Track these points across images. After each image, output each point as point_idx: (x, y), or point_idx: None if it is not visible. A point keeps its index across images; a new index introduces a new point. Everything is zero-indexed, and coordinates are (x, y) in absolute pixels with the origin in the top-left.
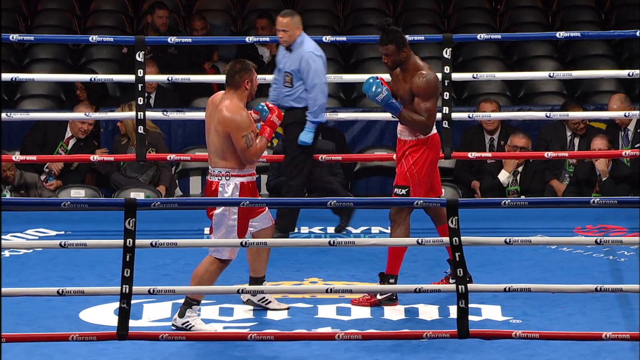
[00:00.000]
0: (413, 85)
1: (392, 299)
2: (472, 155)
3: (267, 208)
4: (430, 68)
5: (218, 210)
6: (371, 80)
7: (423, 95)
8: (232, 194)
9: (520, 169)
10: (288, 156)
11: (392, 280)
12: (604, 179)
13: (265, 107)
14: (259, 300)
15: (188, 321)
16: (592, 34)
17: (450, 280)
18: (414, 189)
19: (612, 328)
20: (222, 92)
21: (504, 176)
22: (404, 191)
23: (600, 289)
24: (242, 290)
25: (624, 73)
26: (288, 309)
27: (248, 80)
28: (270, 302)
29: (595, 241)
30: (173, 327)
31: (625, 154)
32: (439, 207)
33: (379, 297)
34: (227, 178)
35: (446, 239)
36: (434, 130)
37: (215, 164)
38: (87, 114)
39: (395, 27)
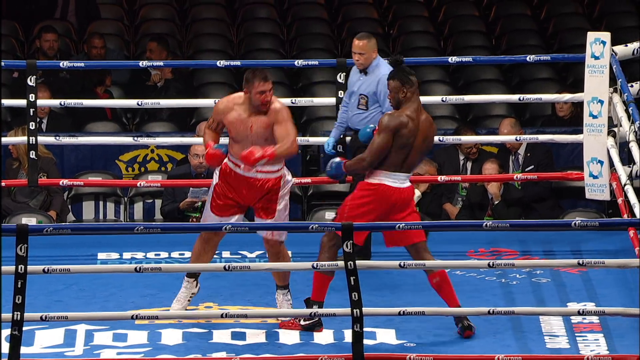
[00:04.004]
0: None
1: (316, 325)
2: None
3: (274, 218)
4: (407, 115)
5: None
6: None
7: (378, 132)
8: (216, 169)
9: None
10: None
11: (315, 307)
12: (496, 202)
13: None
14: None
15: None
16: (484, 59)
17: None
18: (339, 218)
19: (504, 351)
20: None
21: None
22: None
23: (493, 311)
24: (137, 316)
25: (515, 97)
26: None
27: (246, 90)
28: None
29: (488, 264)
30: None
31: (517, 177)
32: (335, 231)
33: (302, 322)
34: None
35: (341, 263)
36: (387, 182)
37: None
38: None
39: (406, 67)
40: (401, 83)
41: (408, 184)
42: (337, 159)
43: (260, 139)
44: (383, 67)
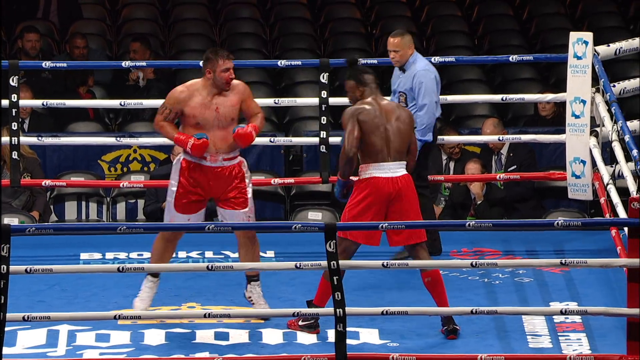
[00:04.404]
0: None
1: (312, 327)
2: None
3: (247, 207)
4: (364, 105)
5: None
6: None
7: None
8: (173, 166)
9: None
10: None
11: None
12: (478, 202)
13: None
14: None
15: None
16: (466, 59)
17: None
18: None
19: (487, 350)
20: None
21: None
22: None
23: (476, 311)
24: (119, 316)
25: (497, 97)
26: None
27: (209, 70)
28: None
29: (471, 264)
30: None
31: (499, 177)
32: (317, 230)
33: (300, 323)
34: (180, 154)
35: (324, 263)
36: (377, 174)
37: None
38: None
39: (360, 66)
40: (356, 83)
41: (401, 172)
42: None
43: (227, 119)
44: (419, 63)
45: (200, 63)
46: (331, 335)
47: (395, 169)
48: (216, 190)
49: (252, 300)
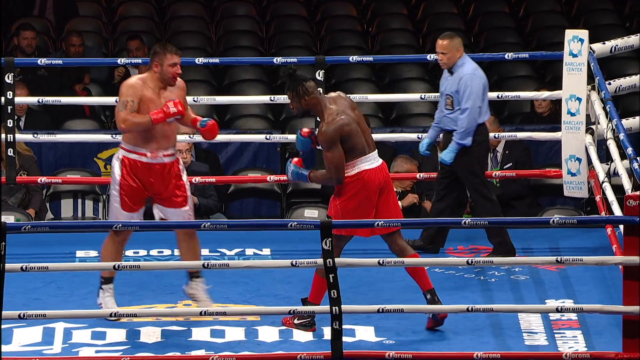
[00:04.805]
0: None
1: (308, 325)
2: None
3: (187, 205)
4: (338, 114)
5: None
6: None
7: (323, 147)
8: (113, 166)
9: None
10: (466, 182)
11: None
12: None
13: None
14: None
15: (100, 302)
16: None
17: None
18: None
19: (483, 348)
20: None
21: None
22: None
23: (472, 309)
24: (115, 314)
25: (493, 95)
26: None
27: (156, 64)
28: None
29: (467, 262)
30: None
31: (495, 175)
32: (313, 228)
33: (296, 321)
34: (118, 151)
35: (320, 260)
36: (366, 167)
37: None
38: None
39: (298, 75)
40: (297, 94)
41: (380, 160)
42: (295, 169)
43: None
44: (467, 66)
45: (196, 60)
46: (327, 332)
47: (377, 158)
48: (157, 186)
49: (195, 297)
